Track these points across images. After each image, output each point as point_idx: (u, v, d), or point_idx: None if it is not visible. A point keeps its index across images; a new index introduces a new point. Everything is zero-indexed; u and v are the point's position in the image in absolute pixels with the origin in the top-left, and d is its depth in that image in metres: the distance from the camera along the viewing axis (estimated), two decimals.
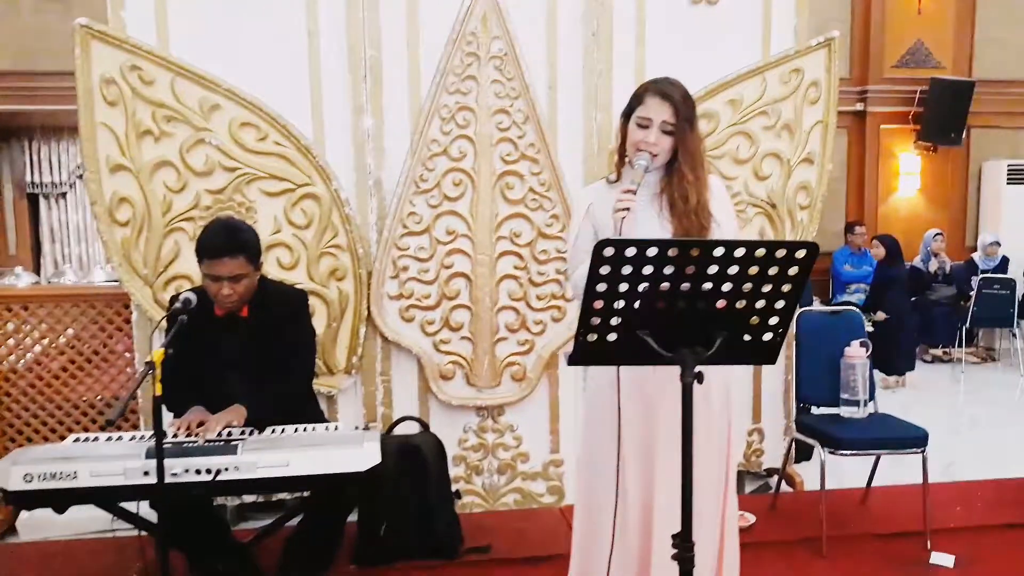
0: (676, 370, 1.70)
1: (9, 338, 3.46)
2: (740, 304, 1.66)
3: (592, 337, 1.68)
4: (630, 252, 1.56)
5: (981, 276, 6.99)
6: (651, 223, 2.13)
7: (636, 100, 2.12)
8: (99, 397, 3.51)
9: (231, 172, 3.12)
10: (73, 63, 2.97)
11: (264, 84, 3.13)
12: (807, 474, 3.84)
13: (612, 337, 1.68)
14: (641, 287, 1.61)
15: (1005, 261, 7.41)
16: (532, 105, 3.30)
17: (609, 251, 1.55)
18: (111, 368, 3.53)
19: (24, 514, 3.48)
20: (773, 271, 1.62)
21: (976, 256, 7.49)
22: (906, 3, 7.83)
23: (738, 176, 3.53)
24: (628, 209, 1.99)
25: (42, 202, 8.19)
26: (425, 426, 3.21)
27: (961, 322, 6.95)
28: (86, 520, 3.24)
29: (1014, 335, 7.02)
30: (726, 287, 1.63)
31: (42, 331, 3.48)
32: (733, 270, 1.61)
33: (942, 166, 8.05)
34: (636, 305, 1.64)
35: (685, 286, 1.62)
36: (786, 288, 1.65)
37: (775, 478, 3.84)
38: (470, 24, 3.23)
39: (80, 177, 8.00)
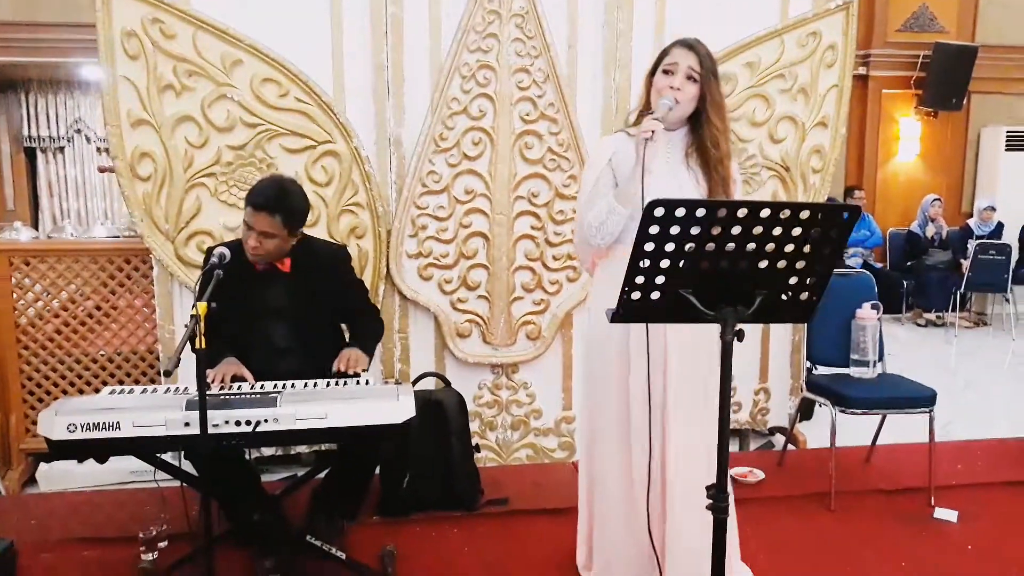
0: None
1: (28, 292, 3.47)
2: (781, 264, 1.71)
3: (636, 295, 1.72)
4: (680, 213, 1.59)
5: (976, 241, 7.06)
6: (684, 181, 2.21)
7: (663, 54, 2.23)
8: (118, 352, 3.53)
9: (252, 128, 3.12)
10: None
11: (285, 40, 3.11)
12: (807, 433, 3.95)
13: (656, 296, 1.73)
14: (687, 247, 1.65)
15: (1000, 227, 7.48)
16: (552, 64, 3.29)
17: (659, 211, 1.59)
18: (129, 323, 3.55)
19: (44, 466, 3.53)
20: (815, 232, 1.66)
21: (972, 221, 7.56)
22: None
23: (754, 139, 3.56)
24: (653, 132, 2.06)
25: (39, 156, 8.02)
26: (447, 382, 3.26)
27: (955, 287, 7.05)
28: (106, 472, 3.30)
29: (1007, 300, 7.12)
30: (769, 247, 1.67)
31: (60, 285, 3.48)
32: (777, 231, 1.65)
33: (941, 131, 8.06)
34: (681, 264, 1.68)
35: (730, 246, 1.65)
36: (827, 250, 1.70)
37: (778, 436, 3.94)
38: None
39: (78, 131, 7.88)
